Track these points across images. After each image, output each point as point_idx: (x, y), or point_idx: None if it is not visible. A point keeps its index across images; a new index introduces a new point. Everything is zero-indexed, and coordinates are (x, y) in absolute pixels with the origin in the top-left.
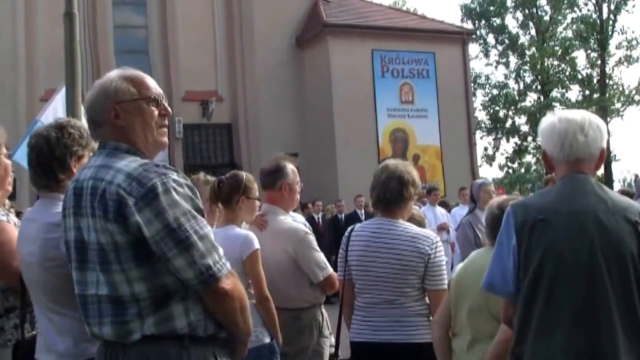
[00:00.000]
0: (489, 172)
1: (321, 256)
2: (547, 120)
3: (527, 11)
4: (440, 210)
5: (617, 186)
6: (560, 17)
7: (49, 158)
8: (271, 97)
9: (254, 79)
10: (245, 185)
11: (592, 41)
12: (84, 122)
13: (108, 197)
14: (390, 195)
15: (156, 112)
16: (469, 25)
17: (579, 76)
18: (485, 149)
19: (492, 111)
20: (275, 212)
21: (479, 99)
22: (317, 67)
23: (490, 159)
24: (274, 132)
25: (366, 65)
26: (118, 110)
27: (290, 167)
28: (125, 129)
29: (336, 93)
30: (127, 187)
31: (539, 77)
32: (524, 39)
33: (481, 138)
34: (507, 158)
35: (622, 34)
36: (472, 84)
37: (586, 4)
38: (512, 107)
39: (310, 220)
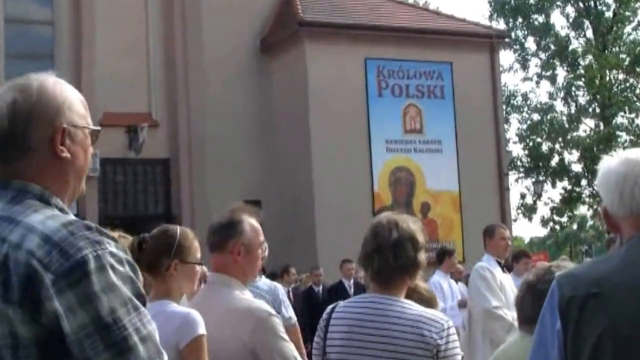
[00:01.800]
0: (527, 229)
1: (290, 347)
2: (604, 163)
3: (581, 5)
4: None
5: None
6: (628, 14)
7: None
8: (226, 124)
9: (202, 98)
10: (179, 244)
11: None
12: None
13: (12, 267)
14: (392, 262)
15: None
16: (500, 24)
17: None
18: (523, 196)
19: (532, 144)
20: (225, 284)
21: (514, 126)
22: (290, 81)
23: (529, 211)
24: (228, 171)
25: (357, 80)
26: (65, 136)
27: (248, 221)
28: (64, 164)
29: (315, 118)
30: (45, 256)
31: (598, 96)
32: (576, 44)
33: (516, 181)
34: (552, 209)
35: None
36: (505, 106)
37: None
38: (560, 139)
39: None
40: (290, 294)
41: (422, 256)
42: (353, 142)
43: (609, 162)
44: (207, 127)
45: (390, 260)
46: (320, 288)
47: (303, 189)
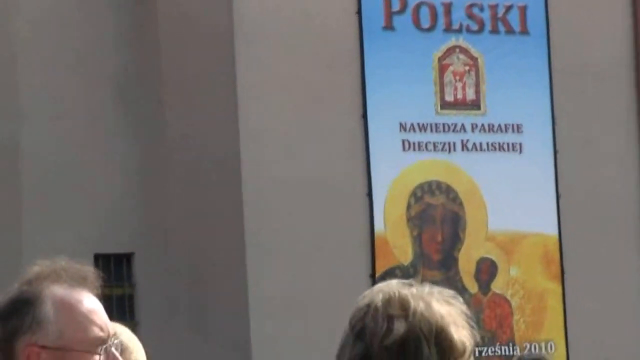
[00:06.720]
0: None
1: None
2: None
3: None
4: None
5: None
6: None
7: None
8: (54, 101)
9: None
10: None
11: None
12: None
13: None
14: None
15: None
16: None
17: None
18: None
19: None
20: None
21: None
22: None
23: None
24: (66, 198)
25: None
26: None
27: (57, 298)
28: None
29: (248, 79)
30: None
31: None
32: None
33: None
34: None
35: None
36: None
37: None
38: None
39: None
40: None
41: None
42: (330, 130)
43: None
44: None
45: None
46: None
47: (222, 231)
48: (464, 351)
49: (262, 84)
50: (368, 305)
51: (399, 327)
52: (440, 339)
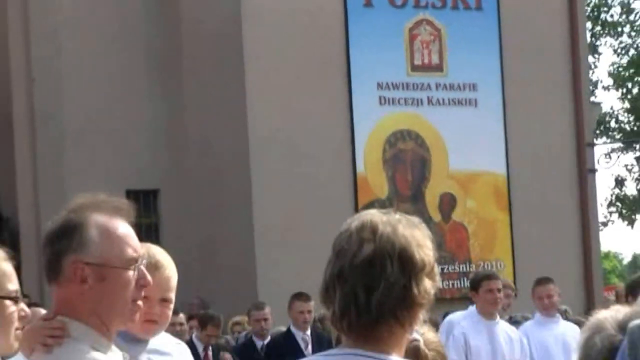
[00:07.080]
0: (628, 239)
1: None
2: None
3: None
4: (506, 327)
5: None
6: None
7: None
8: (94, 58)
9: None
10: None
11: None
12: None
13: None
14: (362, 297)
15: None
16: None
17: None
18: (620, 182)
19: (638, 91)
20: (70, 335)
21: (606, 59)
22: None
23: (630, 208)
24: (102, 142)
25: None
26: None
27: (98, 223)
28: None
29: (253, 47)
30: None
31: None
32: None
33: (608, 156)
34: None
35: None
36: (591, 25)
37: None
38: None
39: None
40: (210, 354)
41: (426, 284)
42: (319, 88)
43: None
44: (61, 57)
45: (360, 294)
46: (265, 342)
47: (232, 171)
48: (424, 267)
49: (266, 50)
50: (346, 231)
51: (367, 248)
52: (402, 257)
